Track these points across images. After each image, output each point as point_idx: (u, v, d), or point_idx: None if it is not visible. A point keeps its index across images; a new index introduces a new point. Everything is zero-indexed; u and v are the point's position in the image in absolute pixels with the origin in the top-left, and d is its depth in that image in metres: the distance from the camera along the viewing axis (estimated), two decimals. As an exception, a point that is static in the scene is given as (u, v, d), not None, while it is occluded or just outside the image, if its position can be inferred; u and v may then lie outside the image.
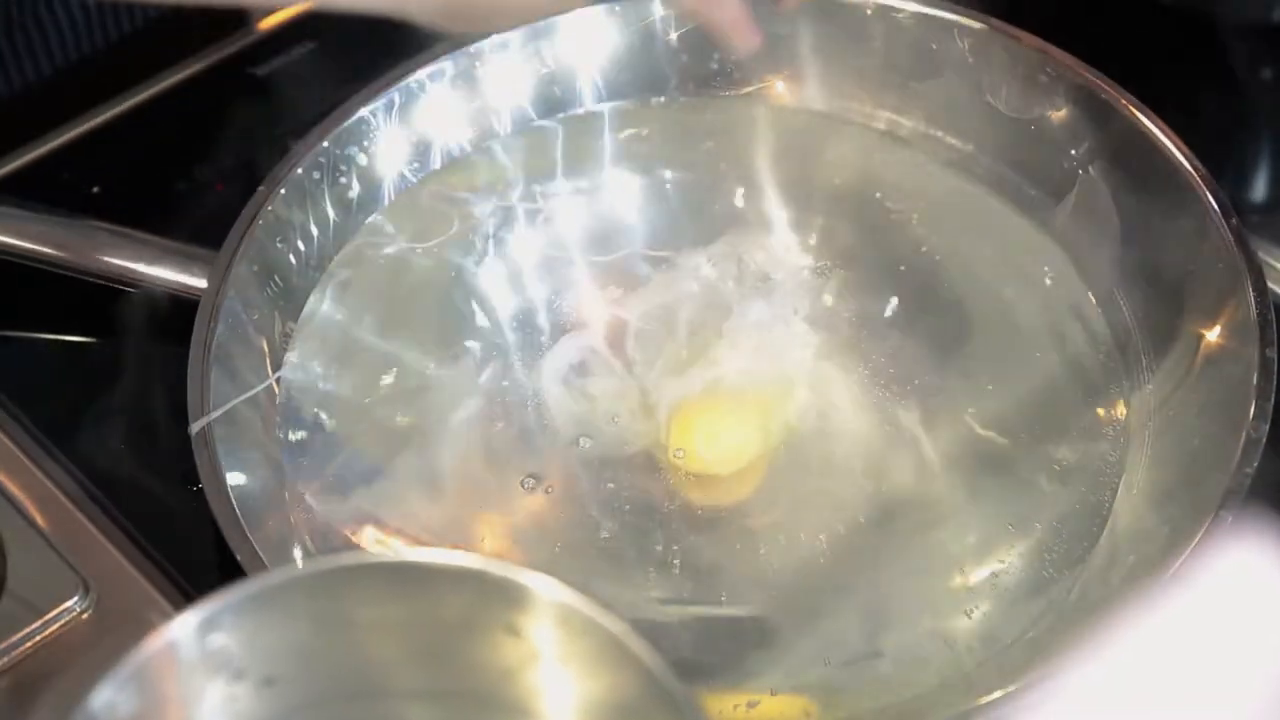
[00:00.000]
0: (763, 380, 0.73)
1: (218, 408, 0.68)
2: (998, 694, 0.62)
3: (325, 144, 0.77)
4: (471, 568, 0.50)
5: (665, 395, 0.73)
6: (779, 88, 0.83)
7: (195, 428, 0.67)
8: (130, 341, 0.76)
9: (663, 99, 0.83)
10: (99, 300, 0.75)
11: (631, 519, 0.70)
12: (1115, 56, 0.79)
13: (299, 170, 0.76)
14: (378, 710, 0.52)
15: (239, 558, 0.63)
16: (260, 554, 0.63)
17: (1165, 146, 0.75)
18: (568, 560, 0.69)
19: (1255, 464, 0.65)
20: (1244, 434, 0.66)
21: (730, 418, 0.72)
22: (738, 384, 0.73)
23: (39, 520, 0.70)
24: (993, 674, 0.65)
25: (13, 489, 0.71)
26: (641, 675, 0.48)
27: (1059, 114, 0.78)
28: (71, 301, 0.77)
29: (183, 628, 0.49)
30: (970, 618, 0.67)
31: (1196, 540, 0.64)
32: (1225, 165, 0.78)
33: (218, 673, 0.50)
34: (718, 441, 0.71)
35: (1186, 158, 0.74)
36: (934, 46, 0.80)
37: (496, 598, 0.49)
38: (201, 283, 0.72)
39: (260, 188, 0.75)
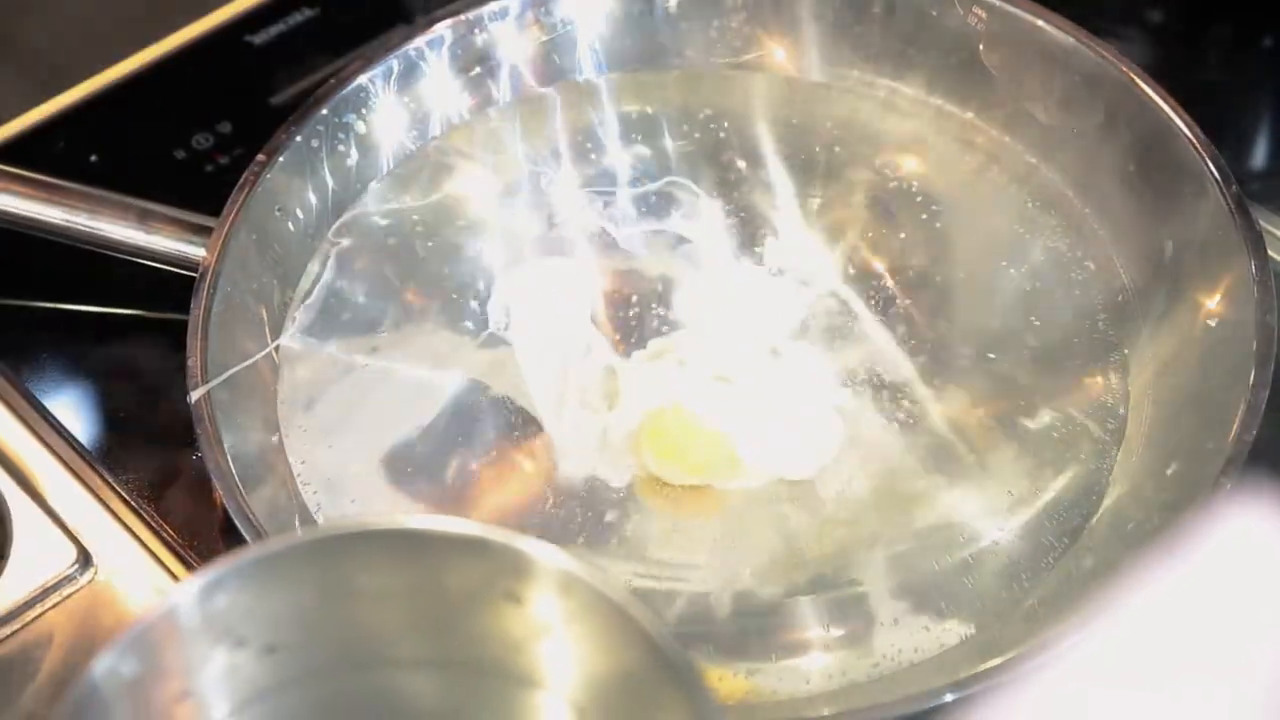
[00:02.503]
0: (755, 350, 0.73)
1: (217, 376, 0.68)
2: (996, 661, 0.62)
3: (324, 112, 0.76)
4: (473, 535, 0.50)
5: (644, 387, 0.72)
6: (778, 56, 0.83)
7: (195, 396, 0.67)
8: (131, 309, 0.76)
9: (662, 67, 0.83)
10: (100, 269, 0.75)
11: (625, 495, 0.70)
12: (1115, 24, 0.79)
13: (298, 138, 0.76)
14: (380, 679, 0.52)
15: (238, 525, 0.63)
16: (259, 522, 0.64)
17: (1165, 114, 0.75)
18: (561, 529, 0.69)
19: (1255, 431, 0.65)
20: (1244, 401, 0.66)
21: (702, 432, 0.71)
22: (726, 364, 0.73)
23: (40, 489, 0.70)
24: (992, 641, 0.65)
25: (14, 458, 0.71)
26: (643, 642, 0.48)
27: (1058, 82, 0.78)
28: (72, 270, 0.77)
29: (184, 595, 0.49)
30: (970, 585, 0.67)
31: (1197, 507, 0.64)
32: (1226, 133, 0.78)
33: (219, 641, 0.50)
34: (684, 458, 0.71)
35: (1186, 125, 0.74)
36: (934, 14, 0.80)
37: (498, 565, 0.49)
38: (200, 251, 0.72)
39: (259, 156, 0.74)
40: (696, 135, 0.81)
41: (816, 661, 0.65)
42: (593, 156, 0.80)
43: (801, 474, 0.70)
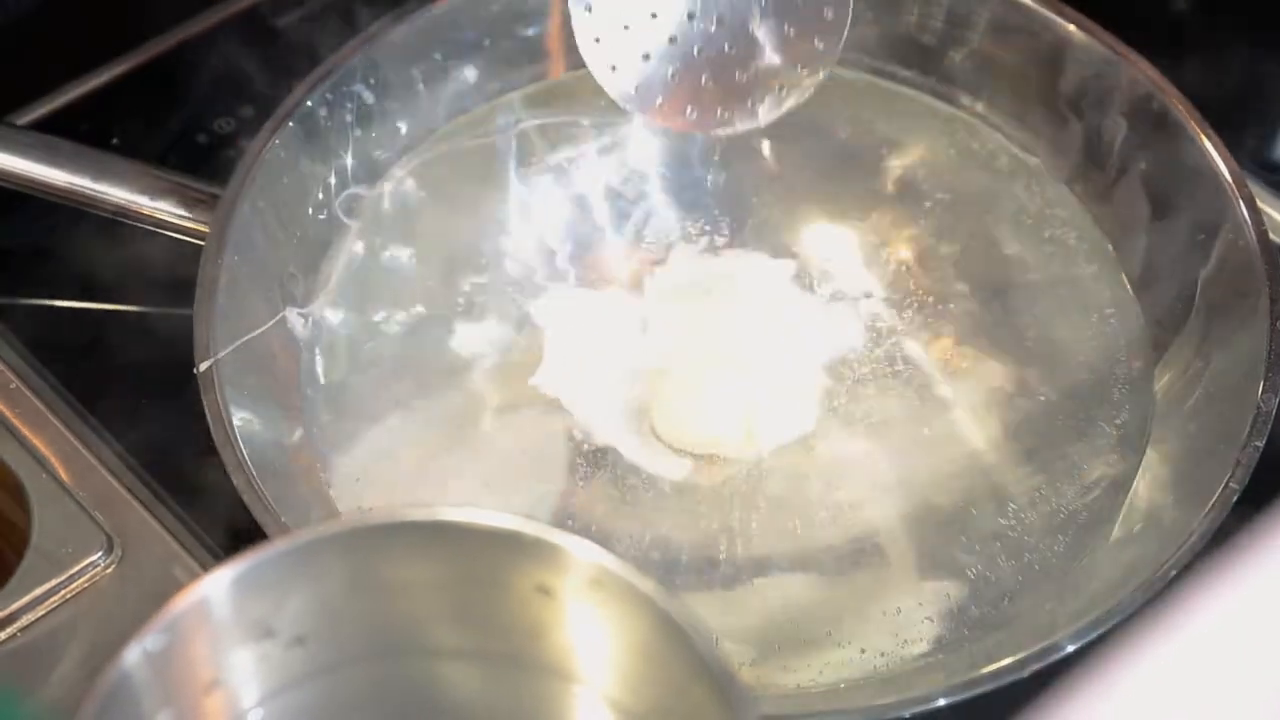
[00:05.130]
0: (774, 351, 0.74)
1: (226, 347, 0.68)
2: (1007, 661, 0.62)
3: (338, 83, 0.75)
4: (505, 527, 0.50)
5: (661, 355, 0.73)
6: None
7: (202, 366, 0.67)
8: (159, 308, 0.76)
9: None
10: (129, 265, 0.75)
11: (638, 482, 0.70)
12: (1135, 22, 0.79)
13: (309, 105, 0.74)
14: (410, 669, 0.52)
15: (244, 498, 0.63)
16: (266, 494, 0.63)
17: (1181, 114, 0.74)
18: (584, 500, 0.70)
19: (1265, 438, 0.66)
20: (1254, 407, 0.66)
21: (713, 401, 0.72)
22: (744, 357, 0.73)
23: (64, 476, 0.69)
24: (1003, 643, 0.65)
25: (38, 444, 0.70)
26: (676, 636, 0.48)
27: (1079, 82, 0.78)
28: (99, 267, 0.77)
29: (214, 586, 0.49)
30: (985, 586, 0.67)
31: (1206, 513, 0.64)
32: (1251, 120, 0.78)
33: (249, 631, 0.50)
34: (694, 427, 0.71)
35: (1200, 126, 0.74)
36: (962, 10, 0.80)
37: (529, 557, 0.49)
38: (207, 217, 0.71)
39: (266, 123, 0.73)
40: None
41: (812, 658, 0.66)
42: (620, 143, 0.79)
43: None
